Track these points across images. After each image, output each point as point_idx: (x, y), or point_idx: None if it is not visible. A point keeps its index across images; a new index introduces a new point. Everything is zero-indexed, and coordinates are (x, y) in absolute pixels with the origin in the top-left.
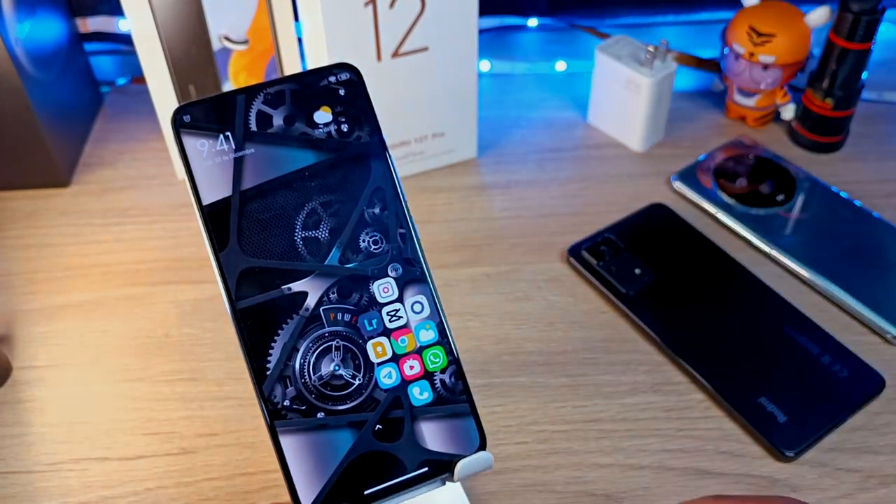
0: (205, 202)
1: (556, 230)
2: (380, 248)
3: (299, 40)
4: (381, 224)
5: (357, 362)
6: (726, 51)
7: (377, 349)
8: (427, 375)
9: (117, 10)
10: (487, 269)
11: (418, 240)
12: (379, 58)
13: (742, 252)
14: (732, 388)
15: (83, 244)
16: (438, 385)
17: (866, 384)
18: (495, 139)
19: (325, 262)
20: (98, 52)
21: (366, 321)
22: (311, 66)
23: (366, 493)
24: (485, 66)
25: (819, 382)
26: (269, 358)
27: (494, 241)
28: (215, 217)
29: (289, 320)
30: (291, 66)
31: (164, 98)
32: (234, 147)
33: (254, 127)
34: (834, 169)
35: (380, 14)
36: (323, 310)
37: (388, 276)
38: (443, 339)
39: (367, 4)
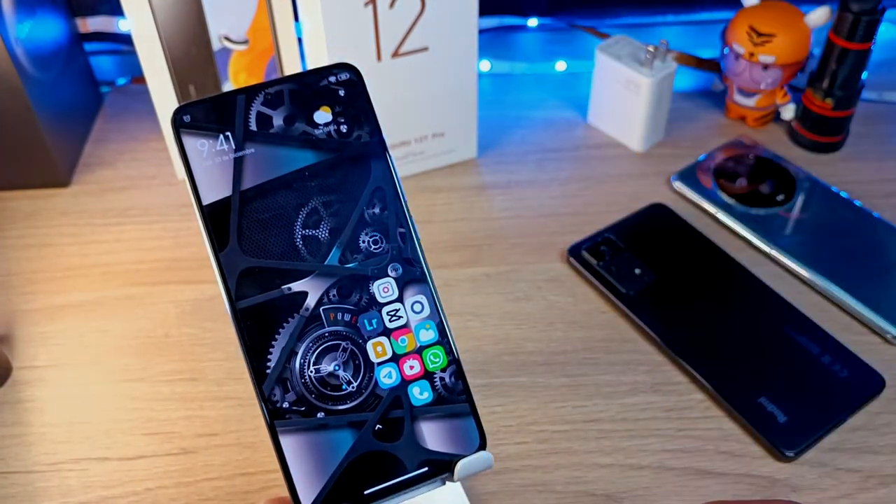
0: (205, 202)
1: (556, 230)
2: (380, 247)
3: (299, 40)
4: (381, 224)
5: (357, 362)
6: (726, 51)
7: (377, 349)
8: (427, 375)
9: (117, 10)
10: (487, 269)
11: (418, 240)
12: (379, 58)
13: (742, 252)
14: (732, 388)
15: (83, 244)
16: (438, 385)
17: (866, 384)
18: (495, 139)
19: (325, 262)
20: (98, 52)
21: (366, 321)
22: (311, 66)
23: (366, 492)
24: (485, 66)
25: (819, 382)
26: (268, 358)
27: (494, 241)
28: (215, 217)
29: (289, 320)
30: (291, 66)
31: (164, 98)
32: (234, 147)
33: (254, 127)
34: (834, 169)
35: (380, 14)
36: (323, 310)
37: (388, 275)
38: (443, 339)
39: (367, 4)
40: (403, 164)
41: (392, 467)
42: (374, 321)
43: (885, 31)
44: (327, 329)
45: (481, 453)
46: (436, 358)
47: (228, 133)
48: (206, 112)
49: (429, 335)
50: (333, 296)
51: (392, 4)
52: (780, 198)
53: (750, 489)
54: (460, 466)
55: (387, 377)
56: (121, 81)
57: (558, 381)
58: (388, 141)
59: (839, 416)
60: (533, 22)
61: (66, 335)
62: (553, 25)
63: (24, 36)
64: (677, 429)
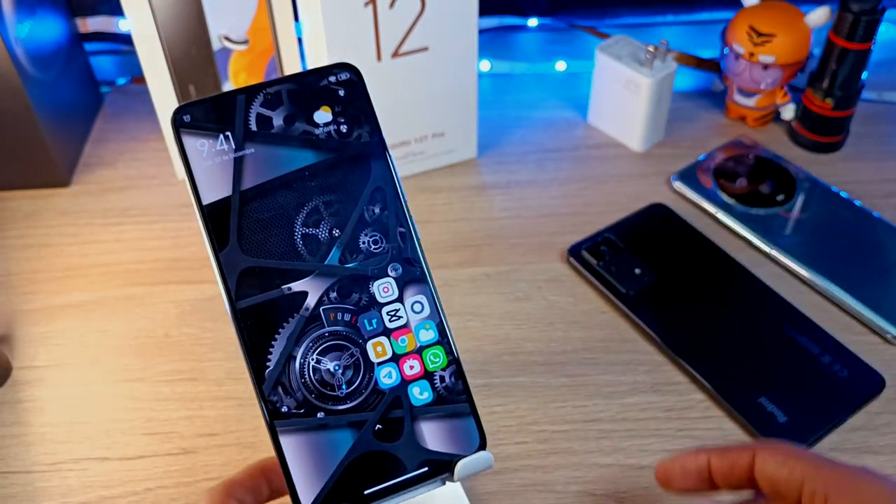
0: (205, 202)
1: (556, 230)
2: (380, 247)
3: (299, 40)
4: (381, 224)
5: (357, 362)
6: (726, 51)
7: (377, 349)
8: (427, 375)
9: (117, 10)
10: (487, 269)
11: (418, 239)
12: (379, 58)
13: (742, 252)
14: (732, 388)
15: (83, 244)
16: (438, 385)
17: (866, 384)
18: (495, 139)
19: (325, 262)
20: (98, 52)
21: (366, 321)
22: (311, 66)
23: (366, 492)
24: (485, 66)
25: (819, 382)
26: (269, 358)
27: (494, 241)
28: (215, 217)
29: (289, 320)
30: (291, 66)
31: (164, 98)
32: (234, 147)
33: (254, 127)
34: (834, 169)
35: (380, 14)
36: (323, 309)
37: (388, 275)
38: (443, 339)
39: (367, 4)
40: (403, 164)
41: (392, 467)
42: (374, 321)
43: (885, 31)
44: (327, 329)
45: (481, 453)
46: (436, 358)
47: (228, 133)
48: (206, 112)
49: (429, 335)
50: (333, 296)
51: (392, 4)
52: (780, 198)
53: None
54: (460, 466)
55: (387, 377)
56: (121, 81)
57: (558, 381)
58: (388, 141)
59: (839, 416)
60: (533, 22)
61: (66, 335)
62: (553, 25)
63: (24, 36)
64: (677, 429)
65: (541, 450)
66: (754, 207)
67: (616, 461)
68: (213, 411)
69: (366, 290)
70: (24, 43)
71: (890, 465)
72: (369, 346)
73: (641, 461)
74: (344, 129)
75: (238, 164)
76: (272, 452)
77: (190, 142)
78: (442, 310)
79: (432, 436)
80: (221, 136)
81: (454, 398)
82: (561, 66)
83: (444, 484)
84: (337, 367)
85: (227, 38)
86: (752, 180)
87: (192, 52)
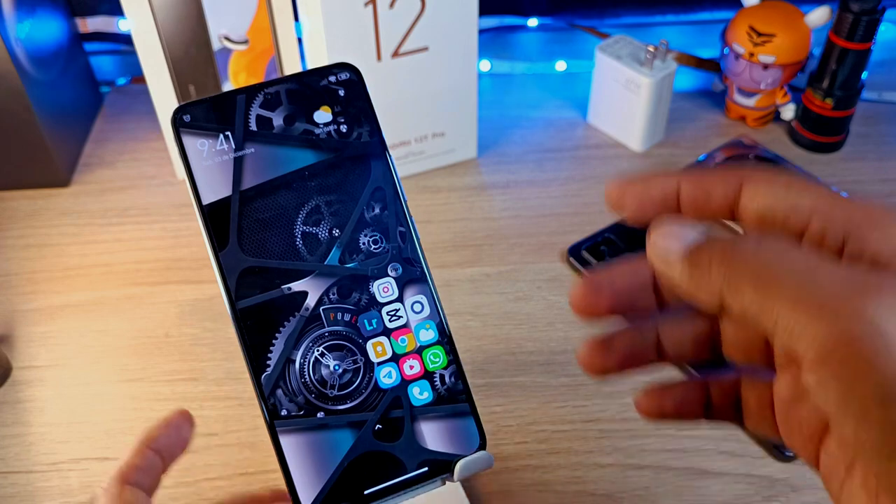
0: (205, 202)
1: (556, 230)
2: (380, 247)
3: (299, 40)
4: (381, 224)
5: (357, 362)
6: (726, 51)
7: (377, 349)
8: (427, 375)
9: (117, 10)
10: (487, 269)
11: (418, 239)
12: (379, 58)
13: None
14: None
15: (83, 244)
16: (438, 385)
17: None
18: (495, 139)
19: (325, 262)
20: (98, 52)
21: (366, 321)
22: (311, 66)
23: (366, 492)
24: (485, 66)
25: None
26: (268, 358)
27: (494, 241)
28: (215, 217)
29: (289, 320)
30: (291, 66)
31: (164, 98)
32: (234, 147)
33: (254, 127)
34: (834, 169)
35: (380, 14)
36: (323, 309)
37: (388, 275)
38: (443, 339)
39: (367, 4)
40: (403, 164)
41: (392, 467)
42: (374, 321)
43: (885, 31)
44: (327, 329)
45: (481, 453)
46: (436, 358)
47: (228, 133)
48: (206, 112)
49: (429, 335)
50: (333, 296)
51: (392, 4)
52: None
53: (750, 489)
54: (460, 466)
55: (387, 377)
56: (121, 81)
57: (558, 381)
58: (388, 141)
59: None
60: (533, 22)
61: (66, 335)
62: (553, 25)
63: (24, 36)
64: (677, 429)
65: (541, 450)
66: None
67: (616, 461)
68: (213, 411)
69: (366, 290)
70: (24, 43)
71: None
72: (369, 345)
73: (641, 461)
74: (344, 128)
75: (238, 163)
76: (272, 452)
77: (190, 142)
78: (442, 310)
79: (432, 436)
80: (221, 135)
81: (454, 398)
82: (561, 66)
83: (444, 484)
84: (337, 368)
85: (227, 38)
86: None
87: (192, 52)
